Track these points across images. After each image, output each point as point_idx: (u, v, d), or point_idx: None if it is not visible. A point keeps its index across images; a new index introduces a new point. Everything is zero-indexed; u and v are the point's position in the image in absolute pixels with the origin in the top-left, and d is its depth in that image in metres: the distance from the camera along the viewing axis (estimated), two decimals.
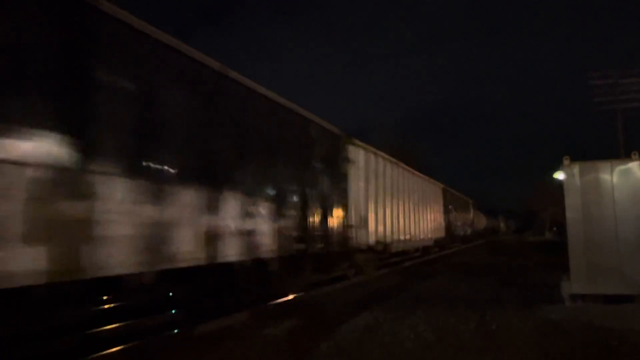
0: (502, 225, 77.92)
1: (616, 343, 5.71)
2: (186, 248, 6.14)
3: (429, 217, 22.10)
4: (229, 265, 7.13)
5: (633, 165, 8.33)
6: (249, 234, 7.51)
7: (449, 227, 26.79)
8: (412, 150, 43.74)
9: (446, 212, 26.27)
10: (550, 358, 5.22)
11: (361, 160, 13.08)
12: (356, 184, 12.58)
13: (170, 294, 7.09)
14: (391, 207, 15.73)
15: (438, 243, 24.19)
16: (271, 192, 8.37)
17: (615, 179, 8.36)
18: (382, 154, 15.33)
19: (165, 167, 5.95)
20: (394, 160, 16.62)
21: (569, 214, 8.51)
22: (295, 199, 9.20)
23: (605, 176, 8.43)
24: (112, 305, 6.57)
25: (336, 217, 11.13)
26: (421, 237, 20.34)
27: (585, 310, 7.69)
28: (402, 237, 16.95)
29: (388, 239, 15.03)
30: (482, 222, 49.74)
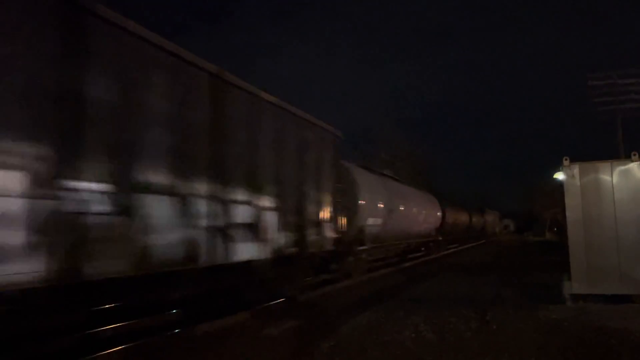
0: (493, 223, 57.10)
1: (617, 343, 5.71)
2: None
3: None
4: None
5: (633, 165, 8.33)
6: None
7: None
8: (412, 149, 43.78)
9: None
10: (551, 358, 5.21)
11: None
12: None
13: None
14: None
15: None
16: None
17: (615, 179, 8.36)
18: None
19: None
20: None
21: (569, 215, 8.51)
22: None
23: (605, 176, 8.43)
24: (112, 305, 6.56)
25: None
26: None
27: (586, 310, 7.69)
28: None
29: None
30: (429, 216, 22.13)
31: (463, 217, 33.07)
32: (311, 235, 9.44)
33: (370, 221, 13.45)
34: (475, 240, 41.15)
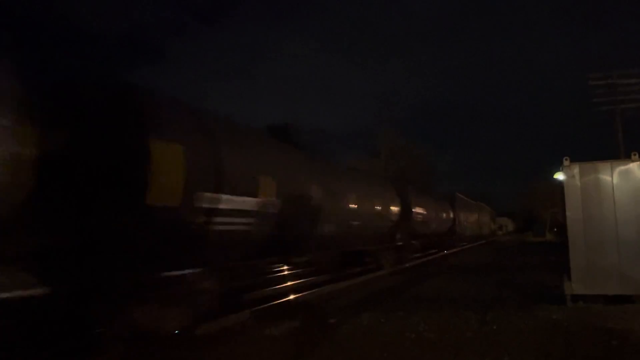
0: (478, 222, 38.89)
1: (617, 343, 5.71)
2: None
3: None
4: None
5: (633, 165, 8.33)
6: None
7: None
8: (412, 150, 43.84)
9: None
10: (552, 358, 5.21)
11: None
12: None
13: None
14: None
15: None
16: None
17: (615, 179, 8.36)
18: None
19: None
20: None
21: (569, 215, 8.51)
22: None
23: (605, 177, 8.42)
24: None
25: None
26: None
27: (586, 310, 7.69)
28: None
29: None
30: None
31: (365, 206, 13.13)
32: None
33: None
34: (427, 254, 23.12)
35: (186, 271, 6.29)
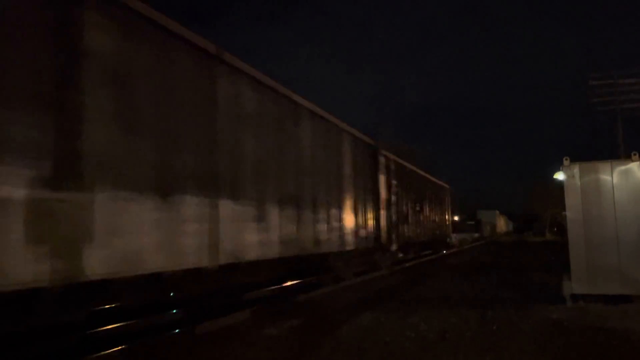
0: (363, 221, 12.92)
1: (617, 343, 5.71)
2: None
3: None
4: None
5: (633, 165, 8.33)
6: None
7: None
8: (412, 149, 43.64)
9: None
10: (551, 358, 5.21)
11: None
12: None
13: (172, 293, 7.08)
14: None
15: None
16: None
17: (615, 179, 8.36)
18: None
19: None
20: None
21: (569, 215, 8.51)
22: None
23: (605, 177, 8.43)
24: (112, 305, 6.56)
25: None
26: None
27: (586, 310, 7.69)
28: None
29: None
30: None
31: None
32: None
33: None
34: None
35: None
